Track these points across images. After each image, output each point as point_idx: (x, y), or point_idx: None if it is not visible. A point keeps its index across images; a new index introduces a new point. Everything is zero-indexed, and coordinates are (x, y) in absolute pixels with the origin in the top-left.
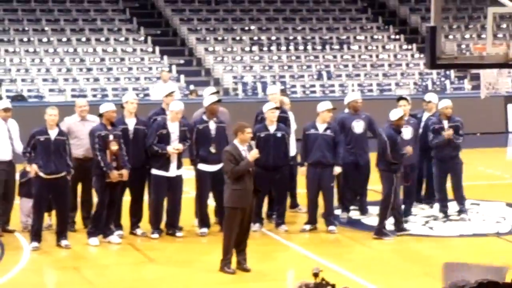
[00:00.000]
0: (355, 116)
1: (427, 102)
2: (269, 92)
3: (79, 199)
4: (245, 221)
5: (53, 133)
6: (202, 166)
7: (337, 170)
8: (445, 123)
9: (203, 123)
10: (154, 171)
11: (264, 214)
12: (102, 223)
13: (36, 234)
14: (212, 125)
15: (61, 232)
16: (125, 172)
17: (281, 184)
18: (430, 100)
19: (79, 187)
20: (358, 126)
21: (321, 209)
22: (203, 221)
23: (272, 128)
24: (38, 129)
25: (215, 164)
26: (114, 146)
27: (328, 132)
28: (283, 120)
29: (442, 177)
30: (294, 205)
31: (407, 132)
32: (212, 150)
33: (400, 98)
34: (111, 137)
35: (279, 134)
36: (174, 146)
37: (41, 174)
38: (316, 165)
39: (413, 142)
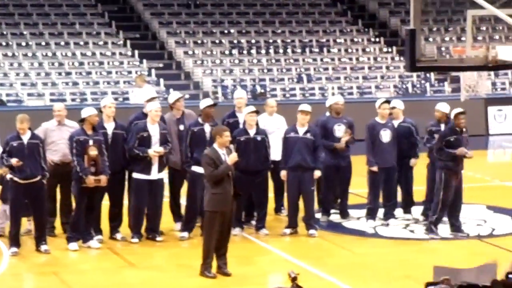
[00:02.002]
0: (337, 119)
1: (393, 108)
2: (236, 96)
3: (58, 204)
4: (225, 225)
5: (25, 138)
6: (197, 169)
7: (317, 173)
8: (442, 127)
9: (198, 126)
10: (135, 175)
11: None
12: (80, 228)
13: (14, 239)
14: (207, 128)
15: (40, 237)
16: (103, 178)
17: (261, 188)
18: (395, 107)
19: (58, 192)
20: (339, 130)
21: (301, 212)
22: (187, 226)
23: (252, 132)
24: (10, 135)
25: None
26: (93, 151)
27: (308, 135)
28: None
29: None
30: (278, 209)
31: (386, 135)
32: None
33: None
34: (90, 142)
35: (259, 138)
36: (155, 149)
37: (16, 179)
38: (296, 168)
39: (392, 145)
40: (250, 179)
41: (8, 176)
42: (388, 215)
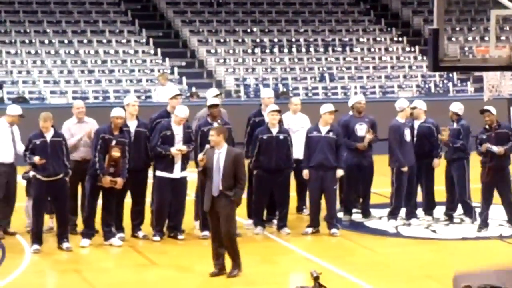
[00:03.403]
0: (359, 119)
1: (415, 108)
2: (265, 95)
3: (79, 202)
4: (221, 226)
5: (48, 135)
6: None
7: (340, 173)
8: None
9: (207, 126)
10: (158, 173)
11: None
12: (92, 224)
13: (36, 236)
14: None
15: (62, 234)
16: (119, 181)
17: (283, 186)
18: (416, 107)
19: (79, 190)
20: (361, 129)
21: (323, 211)
22: (205, 224)
23: (274, 130)
24: (34, 133)
25: None
26: (115, 153)
27: (331, 134)
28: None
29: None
30: (300, 208)
31: (408, 135)
32: None
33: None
34: (113, 142)
35: (281, 137)
36: (177, 148)
37: (39, 176)
38: (319, 167)
39: (411, 144)
40: (272, 178)
41: (31, 173)
42: (410, 214)
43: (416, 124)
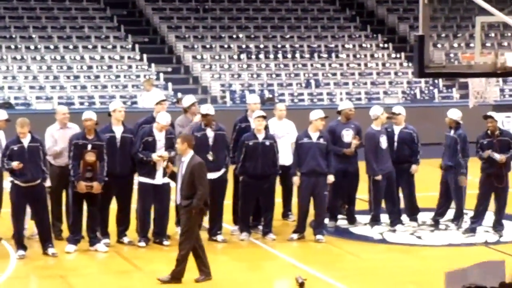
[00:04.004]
0: (345, 125)
1: (397, 114)
2: (251, 101)
3: (64, 208)
4: None
5: (26, 141)
6: None
7: (331, 178)
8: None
9: (200, 131)
10: (140, 179)
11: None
12: (77, 230)
13: (18, 242)
14: (210, 133)
15: (46, 240)
16: (95, 185)
17: (268, 192)
18: (399, 113)
19: (64, 196)
20: (348, 135)
21: (309, 217)
22: None
23: (260, 136)
24: (11, 139)
25: (213, 171)
26: (90, 157)
27: (321, 140)
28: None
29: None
30: (286, 214)
31: (384, 142)
32: (210, 157)
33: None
34: (89, 147)
35: (267, 143)
36: (158, 154)
37: (18, 182)
38: (311, 174)
39: (388, 151)
40: (258, 184)
41: (9, 179)
42: (395, 221)
43: (397, 129)
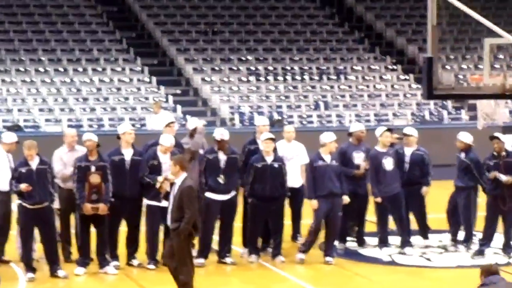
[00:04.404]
0: (356, 147)
1: (408, 136)
2: (260, 123)
3: (73, 231)
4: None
5: (34, 163)
6: (210, 195)
7: (346, 199)
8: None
9: (212, 154)
10: (147, 202)
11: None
12: (86, 253)
13: (27, 264)
14: (222, 156)
15: (54, 262)
16: (101, 206)
17: (277, 215)
18: (411, 134)
19: (72, 218)
20: (359, 157)
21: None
22: (202, 252)
23: (269, 158)
24: (19, 162)
25: (223, 194)
26: (95, 179)
27: (334, 162)
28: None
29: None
30: (295, 236)
31: (388, 163)
32: (220, 180)
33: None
34: (92, 168)
35: (276, 165)
36: (164, 177)
37: (25, 204)
38: (329, 196)
39: (394, 172)
40: (267, 206)
41: (17, 201)
42: (405, 243)
43: (408, 151)
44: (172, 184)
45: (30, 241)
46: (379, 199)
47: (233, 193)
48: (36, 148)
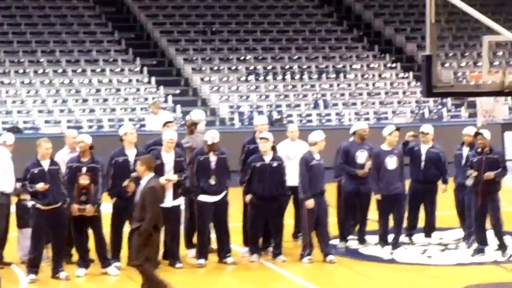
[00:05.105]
0: (360, 146)
1: (425, 133)
2: (258, 122)
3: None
4: None
5: (46, 164)
6: (203, 197)
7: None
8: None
9: (203, 155)
10: None
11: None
12: (84, 255)
13: (33, 265)
14: (213, 157)
15: (59, 264)
16: (88, 208)
17: (277, 214)
18: (428, 132)
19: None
20: (362, 156)
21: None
22: (201, 252)
23: (267, 158)
24: (30, 162)
25: (215, 195)
26: (83, 180)
27: (322, 161)
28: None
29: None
30: (296, 235)
31: (391, 163)
32: (212, 182)
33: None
34: (83, 170)
35: (275, 164)
36: (166, 177)
37: (39, 205)
38: (320, 194)
39: (397, 172)
40: (266, 205)
41: (30, 203)
42: (396, 244)
43: (424, 148)
44: (176, 184)
45: (42, 242)
46: (378, 196)
47: (224, 193)
48: (51, 145)
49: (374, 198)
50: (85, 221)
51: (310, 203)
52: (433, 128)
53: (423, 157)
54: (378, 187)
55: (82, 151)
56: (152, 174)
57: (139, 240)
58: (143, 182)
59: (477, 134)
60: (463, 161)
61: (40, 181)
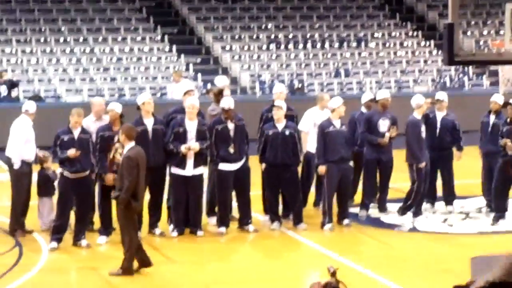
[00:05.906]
0: (382, 114)
1: (440, 101)
2: (275, 90)
3: (96, 199)
4: None
5: (76, 132)
6: (223, 166)
7: (351, 164)
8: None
9: (222, 124)
10: (172, 170)
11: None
12: (108, 222)
13: (58, 232)
14: (231, 126)
15: (81, 231)
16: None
17: (291, 183)
18: (443, 99)
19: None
20: (384, 125)
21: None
22: (223, 221)
23: (280, 126)
24: (62, 129)
25: (236, 162)
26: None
27: (344, 128)
28: (290, 118)
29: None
30: (318, 203)
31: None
32: (231, 150)
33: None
34: (115, 139)
35: (287, 132)
36: (187, 146)
37: (66, 173)
38: (340, 161)
39: (425, 141)
40: (279, 173)
41: (58, 170)
42: (418, 212)
43: (439, 116)
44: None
45: (68, 210)
46: (423, 164)
47: (244, 160)
48: (82, 116)
49: (419, 167)
50: (112, 189)
51: (322, 169)
52: (455, 97)
53: (438, 125)
54: (422, 154)
55: (112, 120)
56: (132, 143)
57: (120, 209)
58: (124, 151)
59: (506, 104)
60: (489, 129)
61: (68, 149)
